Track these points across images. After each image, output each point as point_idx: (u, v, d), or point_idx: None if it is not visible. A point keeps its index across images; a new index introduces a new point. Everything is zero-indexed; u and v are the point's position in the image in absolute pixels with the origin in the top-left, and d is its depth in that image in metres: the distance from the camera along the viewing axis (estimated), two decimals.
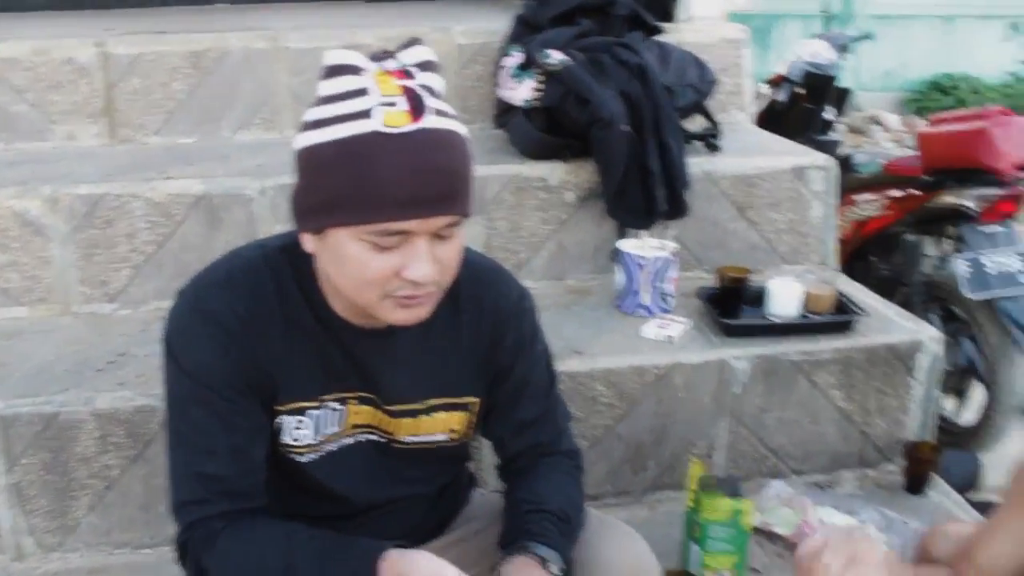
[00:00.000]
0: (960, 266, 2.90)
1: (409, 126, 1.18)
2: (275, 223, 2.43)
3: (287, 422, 1.40)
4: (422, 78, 1.23)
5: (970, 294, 2.88)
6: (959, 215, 3.10)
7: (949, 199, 3.13)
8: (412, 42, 1.27)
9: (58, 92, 2.80)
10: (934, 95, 9.60)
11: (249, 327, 1.33)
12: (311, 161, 1.23)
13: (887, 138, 8.74)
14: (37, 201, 2.37)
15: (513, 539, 1.43)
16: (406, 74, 1.22)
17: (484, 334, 1.47)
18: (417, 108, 1.19)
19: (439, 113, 1.22)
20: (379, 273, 1.23)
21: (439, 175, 1.20)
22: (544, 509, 1.47)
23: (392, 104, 1.19)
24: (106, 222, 2.39)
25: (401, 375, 1.43)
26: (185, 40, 2.87)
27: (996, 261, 2.89)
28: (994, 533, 1.41)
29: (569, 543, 1.48)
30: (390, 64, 1.22)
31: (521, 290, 1.54)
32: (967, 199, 3.06)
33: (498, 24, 2.92)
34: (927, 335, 2.37)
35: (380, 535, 1.38)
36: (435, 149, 1.20)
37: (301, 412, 1.40)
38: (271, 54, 2.91)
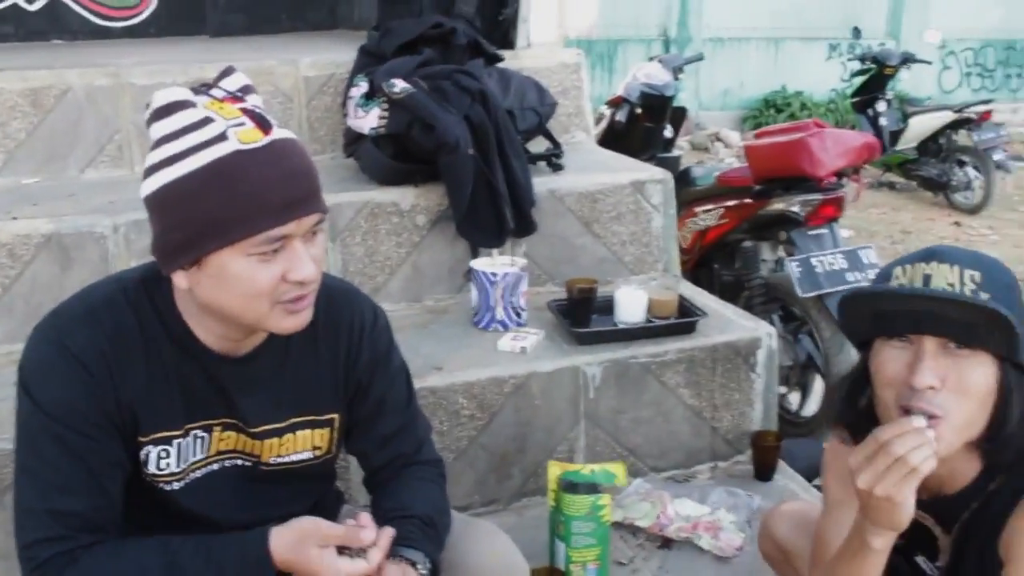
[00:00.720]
0: (791, 268, 3.12)
1: (263, 140, 1.26)
2: (130, 259, 2.42)
3: (152, 452, 1.41)
4: (250, 100, 1.32)
5: (802, 293, 3.10)
6: (788, 220, 3.33)
7: (777, 206, 3.36)
8: (228, 71, 1.36)
9: None
10: (769, 112, 10.16)
11: (111, 363, 1.35)
12: (174, 196, 1.27)
13: (729, 154, 9.20)
14: None
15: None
16: (236, 99, 1.30)
17: (341, 353, 1.52)
18: (263, 123, 1.28)
19: (277, 126, 1.30)
20: (269, 282, 1.29)
21: (302, 177, 1.29)
22: (409, 515, 1.52)
23: (241, 124, 1.26)
24: None
25: (263, 398, 1.47)
26: (22, 77, 2.82)
27: (823, 261, 3.12)
28: (828, 529, 1.54)
29: (435, 545, 1.53)
30: (218, 93, 1.30)
31: (375, 309, 1.60)
32: (793, 205, 3.30)
33: (344, 56, 2.98)
34: (764, 332, 2.55)
35: None
36: (291, 156, 1.29)
37: (166, 442, 1.42)
38: (114, 90, 2.88)
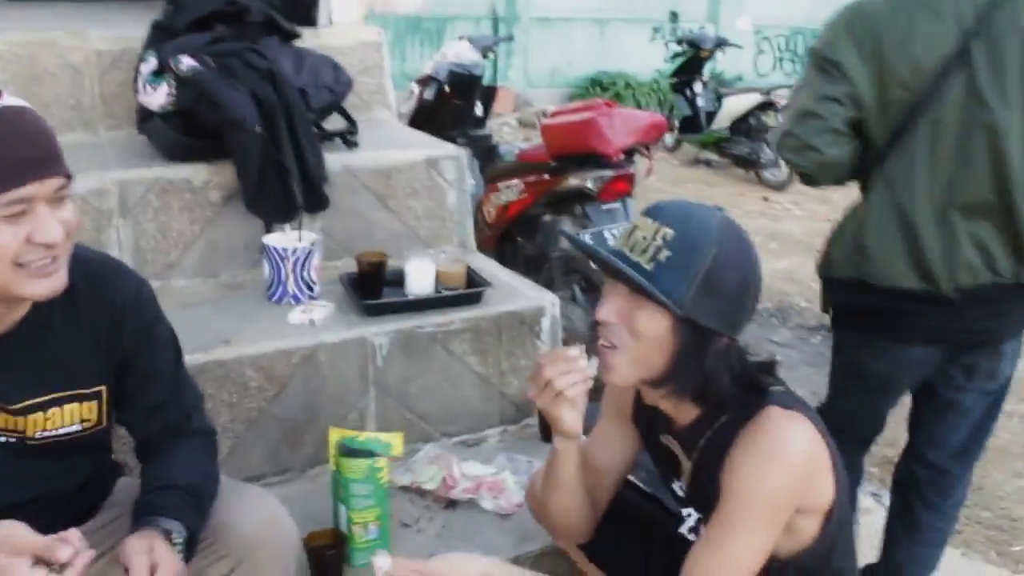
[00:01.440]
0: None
1: None
2: None
3: None
4: None
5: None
6: (583, 195, 3.51)
7: (573, 182, 3.53)
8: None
9: None
10: (595, 90, 10.45)
11: None
12: None
13: None
14: None
15: (140, 515, 1.53)
16: None
17: (104, 326, 1.56)
18: None
19: (8, 95, 1.36)
20: (13, 244, 1.33)
21: (39, 139, 1.36)
22: (170, 484, 1.58)
23: None
24: None
25: (24, 374, 1.50)
26: None
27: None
28: (596, 439, 1.75)
29: (198, 514, 1.58)
30: None
31: (138, 280, 1.64)
32: (587, 181, 3.47)
33: (138, 30, 2.94)
34: (548, 301, 2.69)
35: None
36: (26, 119, 1.35)
37: None
38: None
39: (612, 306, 1.54)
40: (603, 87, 10.47)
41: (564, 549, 2.05)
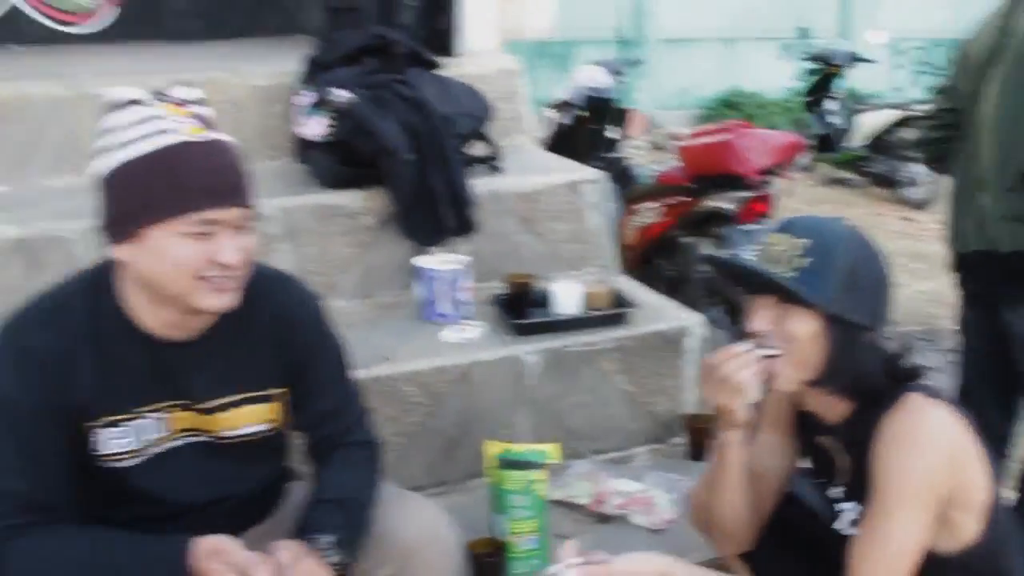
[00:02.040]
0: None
1: (206, 135, 1.48)
2: (96, 261, 2.53)
3: (101, 435, 1.55)
4: (198, 109, 1.52)
5: (736, 283, 3.27)
6: (721, 217, 3.51)
7: (710, 203, 3.54)
8: (175, 84, 1.55)
9: None
10: (724, 111, 10.35)
11: (62, 359, 1.50)
12: (125, 175, 1.46)
13: None
14: None
15: (299, 529, 1.62)
16: (185, 105, 1.50)
17: (278, 334, 1.67)
18: (206, 124, 1.50)
19: (217, 131, 1.52)
20: (196, 260, 1.47)
21: (235, 173, 1.51)
22: (329, 499, 1.67)
23: (186, 122, 1.47)
24: None
25: (209, 377, 1.62)
26: None
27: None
28: (759, 450, 1.81)
29: (350, 529, 1.65)
30: (169, 98, 1.50)
31: (309, 295, 1.76)
32: (725, 202, 3.48)
33: (291, 65, 3.12)
34: (693, 321, 2.72)
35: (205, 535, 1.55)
36: (227, 153, 1.51)
37: (115, 424, 1.55)
38: (74, 101, 2.99)
39: (762, 317, 1.65)
40: (733, 107, 10.36)
41: (726, 562, 2.07)
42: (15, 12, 4.18)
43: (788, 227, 1.67)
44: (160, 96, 1.51)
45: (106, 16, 4.31)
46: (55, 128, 2.98)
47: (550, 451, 2.12)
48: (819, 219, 1.70)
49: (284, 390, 1.70)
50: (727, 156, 3.35)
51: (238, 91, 3.08)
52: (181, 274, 1.47)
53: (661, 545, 2.27)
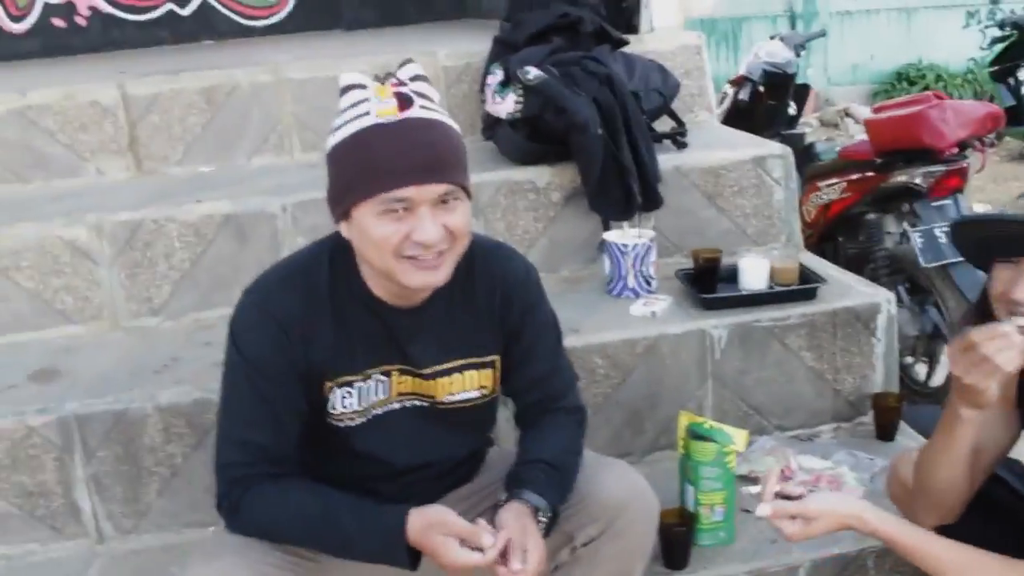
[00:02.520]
0: (914, 239, 3.20)
1: (397, 116, 1.49)
2: (297, 235, 2.70)
3: (336, 394, 1.67)
4: (413, 86, 1.55)
5: (925, 263, 3.17)
6: (911, 192, 3.40)
7: (900, 178, 3.43)
8: (405, 62, 1.61)
9: (86, 132, 3.08)
10: (901, 85, 9.93)
11: (304, 323, 1.62)
12: (332, 159, 1.57)
13: (859, 129, 9.05)
14: (83, 229, 2.64)
15: (511, 485, 1.70)
16: (400, 83, 1.54)
17: (496, 302, 1.75)
18: (404, 103, 1.51)
19: (424, 107, 1.53)
20: (393, 238, 1.52)
21: (426, 150, 1.50)
22: (540, 459, 1.74)
23: (384, 103, 1.51)
24: (146, 244, 2.67)
25: (433, 343, 1.70)
26: (197, 77, 3.15)
27: (946, 232, 3.18)
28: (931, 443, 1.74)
29: (559, 490, 1.73)
30: (389, 79, 1.55)
31: (527, 264, 1.83)
32: (916, 177, 3.36)
33: (476, 46, 3.21)
34: (883, 298, 2.66)
35: (413, 496, 1.64)
36: (419, 131, 1.50)
37: (348, 384, 1.67)
38: (275, 86, 3.19)
39: None
40: (910, 81, 9.93)
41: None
42: (207, 8, 4.47)
43: None
44: (381, 78, 1.56)
45: (286, 8, 4.54)
46: (257, 111, 3.19)
47: (737, 437, 2.12)
48: None
49: (499, 357, 1.77)
50: (920, 128, 3.23)
51: (427, 72, 3.17)
52: (383, 252, 1.53)
53: None
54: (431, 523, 1.56)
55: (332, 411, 1.68)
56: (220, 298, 2.66)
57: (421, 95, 1.55)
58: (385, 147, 1.49)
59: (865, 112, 9.54)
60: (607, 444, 2.50)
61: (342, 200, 1.55)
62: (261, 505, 1.60)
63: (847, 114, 9.61)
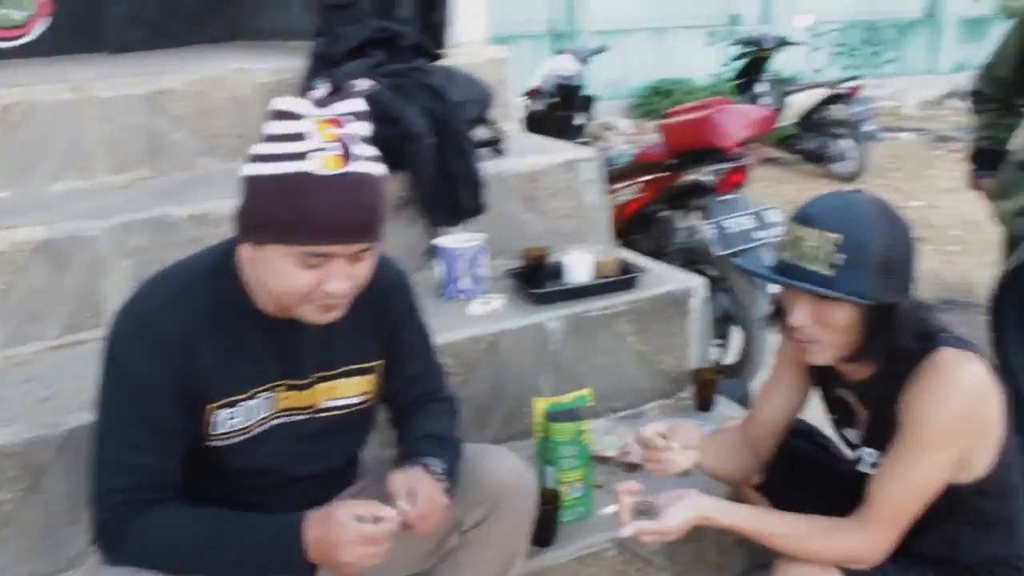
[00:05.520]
0: (708, 231, 3.50)
1: (339, 170, 1.48)
2: (121, 258, 2.60)
3: (220, 415, 1.65)
4: (353, 127, 1.53)
5: (716, 253, 3.48)
6: (701, 189, 3.72)
7: (690, 177, 3.74)
8: (336, 90, 1.58)
9: None
10: (655, 99, 10.63)
11: (186, 342, 1.58)
12: (253, 188, 1.52)
13: (621, 141, 9.62)
14: None
15: (403, 459, 1.77)
16: (341, 123, 1.51)
17: (374, 308, 1.79)
18: (347, 155, 1.49)
19: (363, 159, 1.52)
20: (303, 286, 1.53)
21: (360, 210, 1.51)
22: (428, 433, 1.82)
23: (327, 150, 1.48)
24: None
25: (317, 354, 1.73)
26: None
27: (735, 223, 3.51)
28: (766, 394, 1.97)
29: (451, 455, 1.81)
30: (327, 112, 1.51)
31: (399, 269, 1.89)
32: (704, 175, 3.69)
33: (292, 62, 3.22)
34: (697, 282, 2.91)
35: (302, 507, 1.65)
36: (357, 189, 1.50)
37: (232, 405, 1.66)
38: (79, 105, 3.05)
39: (802, 311, 1.77)
40: (664, 94, 10.65)
41: (744, 498, 2.27)
42: None
43: (812, 219, 1.72)
44: (321, 105, 1.51)
45: (35, 29, 4.04)
46: (60, 132, 3.00)
47: (585, 394, 2.30)
48: (842, 204, 1.73)
49: (383, 362, 1.82)
50: (708, 130, 3.55)
51: (243, 89, 3.17)
52: (290, 293, 1.54)
53: (691, 484, 2.43)
54: (328, 511, 1.57)
55: (214, 432, 1.65)
56: (34, 331, 2.53)
57: (360, 139, 1.53)
58: (323, 203, 1.46)
59: (626, 125, 10.18)
60: None
61: (255, 233, 1.53)
62: (149, 532, 1.56)
63: (609, 127, 10.19)
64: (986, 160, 2.70)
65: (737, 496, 2.31)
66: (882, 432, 1.83)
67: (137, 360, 1.57)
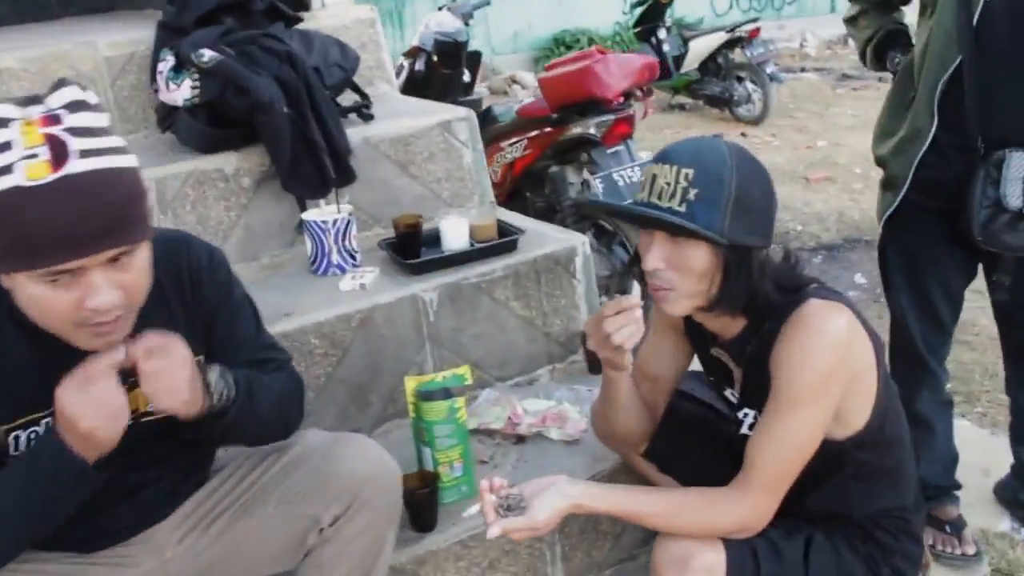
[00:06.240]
0: (595, 184, 3.41)
1: (50, 177, 1.26)
2: None
3: (21, 436, 1.50)
4: (71, 120, 1.31)
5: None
6: (587, 142, 3.63)
7: (575, 130, 3.64)
8: (59, 84, 1.36)
9: None
10: (559, 50, 10.52)
11: None
12: None
13: (527, 94, 9.47)
14: None
15: None
16: (52, 120, 1.30)
17: (187, 295, 1.64)
18: (59, 156, 1.27)
19: (87, 154, 1.29)
20: (64, 308, 1.34)
21: (91, 218, 1.28)
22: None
23: (34, 156, 1.26)
24: None
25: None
26: None
27: (623, 175, 3.43)
28: (648, 352, 1.88)
29: (246, 386, 1.62)
30: (35, 111, 1.31)
31: (209, 248, 1.72)
32: (590, 127, 3.59)
33: (142, 33, 3.02)
34: (578, 241, 2.80)
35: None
36: (81, 194, 1.28)
37: (35, 423, 1.50)
38: None
39: (656, 254, 1.67)
40: (567, 45, 10.54)
41: (633, 464, 2.20)
42: None
43: (668, 157, 1.66)
44: (29, 104, 1.32)
45: None
46: None
47: (462, 372, 2.19)
48: (698, 143, 1.69)
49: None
50: (588, 82, 3.45)
51: (86, 64, 2.97)
52: (51, 320, 1.37)
53: (578, 455, 2.38)
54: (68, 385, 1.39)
55: (16, 453, 1.50)
56: None
57: (81, 132, 1.31)
58: (39, 218, 1.25)
59: (530, 78, 10.05)
60: (335, 424, 2.47)
61: None
62: None
63: (514, 81, 10.05)
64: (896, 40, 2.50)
65: (627, 466, 2.24)
66: (757, 391, 1.76)
67: None
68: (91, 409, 1.38)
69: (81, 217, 1.28)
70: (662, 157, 1.68)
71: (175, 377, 1.45)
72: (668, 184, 1.64)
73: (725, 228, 1.62)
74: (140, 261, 1.40)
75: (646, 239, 1.71)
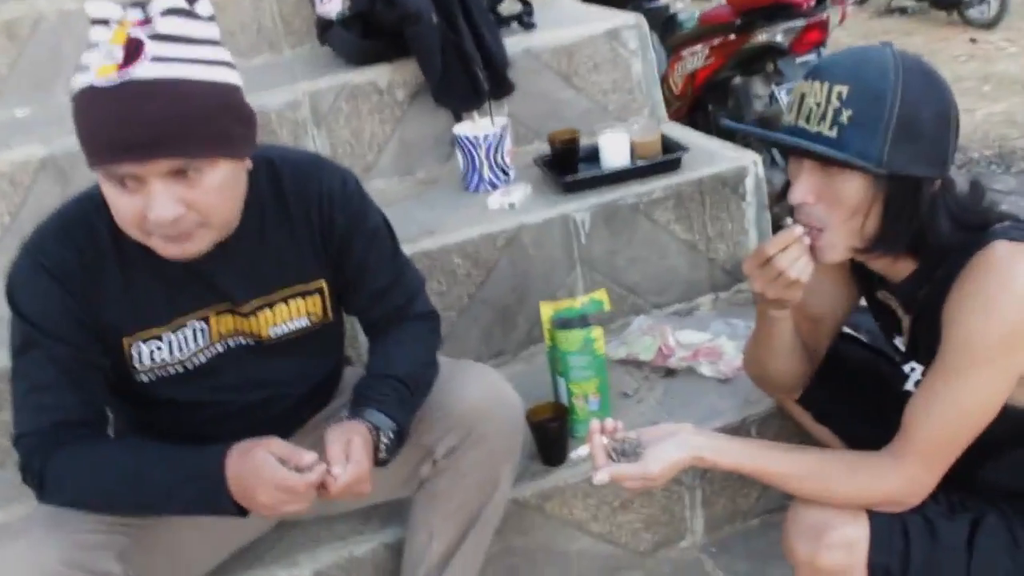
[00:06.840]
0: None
1: (114, 78, 1.24)
2: None
3: (141, 349, 1.51)
4: (159, 25, 1.28)
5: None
6: (774, 51, 3.32)
7: (761, 38, 3.34)
8: None
9: None
10: None
11: (84, 277, 1.44)
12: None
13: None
14: None
15: (355, 404, 1.57)
16: (144, 22, 1.28)
17: (315, 222, 1.58)
18: (130, 58, 1.25)
19: (161, 60, 1.27)
20: (129, 213, 1.33)
21: (143, 124, 1.25)
22: (390, 375, 1.61)
23: (108, 57, 1.26)
24: None
25: (247, 276, 1.54)
26: None
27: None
28: (811, 288, 1.66)
29: (409, 406, 1.61)
30: (134, 14, 1.29)
31: (343, 173, 1.64)
32: (776, 34, 3.28)
33: None
34: (750, 160, 2.57)
35: (262, 434, 1.49)
36: (138, 98, 1.25)
37: (156, 338, 1.51)
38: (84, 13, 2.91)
39: (805, 186, 1.44)
40: None
41: (787, 410, 2.00)
42: None
43: (820, 72, 1.42)
44: (137, 4, 1.30)
45: None
46: (70, 43, 2.89)
47: (600, 297, 2.04)
48: (857, 53, 1.43)
49: (326, 281, 1.62)
50: None
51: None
52: (126, 225, 1.36)
53: (728, 395, 2.20)
54: (249, 447, 1.40)
55: (139, 367, 1.52)
56: None
57: (166, 38, 1.28)
58: (98, 118, 1.26)
59: None
60: (478, 344, 2.40)
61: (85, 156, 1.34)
62: (65, 473, 1.44)
63: None
64: None
65: (783, 412, 2.04)
66: (927, 344, 1.50)
67: (32, 297, 1.45)
68: (280, 504, 1.39)
69: (137, 122, 1.25)
70: (813, 72, 1.44)
71: (364, 492, 1.47)
72: (818, 105, 1.40)
73: (884, 156, 1.38)
74: (213, 179, 1.34)
75: (795, 168, 1.47)
